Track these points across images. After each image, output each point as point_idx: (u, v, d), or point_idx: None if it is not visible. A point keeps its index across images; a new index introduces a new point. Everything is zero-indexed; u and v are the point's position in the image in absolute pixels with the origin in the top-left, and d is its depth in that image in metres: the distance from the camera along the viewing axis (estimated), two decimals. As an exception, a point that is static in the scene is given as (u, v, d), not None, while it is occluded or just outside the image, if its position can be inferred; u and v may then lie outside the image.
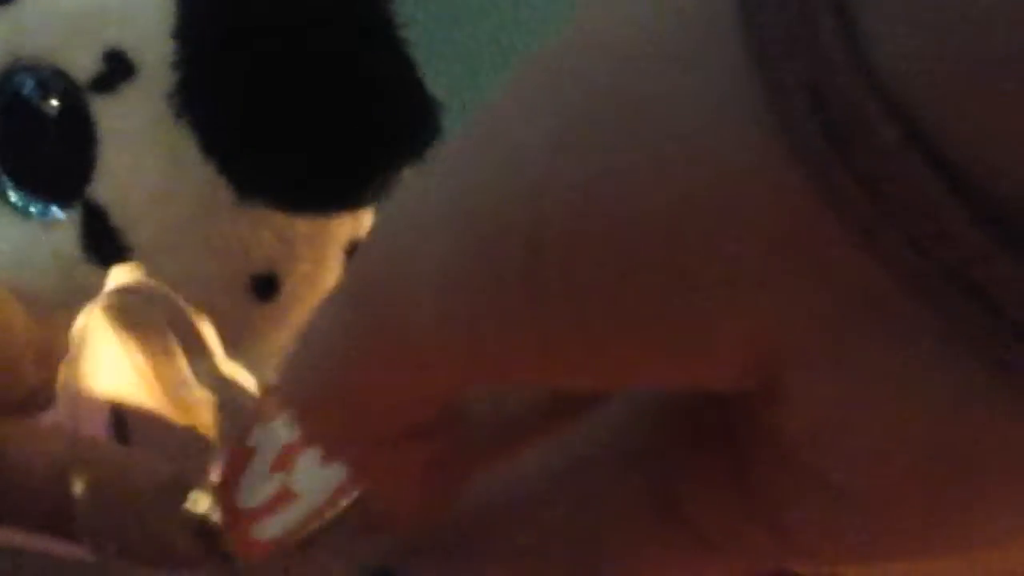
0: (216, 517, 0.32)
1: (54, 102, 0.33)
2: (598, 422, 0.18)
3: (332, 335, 0.16)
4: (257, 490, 0.32)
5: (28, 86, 0.34)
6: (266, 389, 0.33)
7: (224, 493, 0.32)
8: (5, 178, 0.34)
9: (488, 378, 0.16)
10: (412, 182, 0.15)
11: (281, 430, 0.31)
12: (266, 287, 0.34)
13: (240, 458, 0.32)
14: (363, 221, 0.35)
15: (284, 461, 0.32)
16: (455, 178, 0.15)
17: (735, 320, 0.14)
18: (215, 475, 0.33)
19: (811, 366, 0.14)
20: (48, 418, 0.38)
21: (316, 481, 0.30)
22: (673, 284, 0.14)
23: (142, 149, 0.32)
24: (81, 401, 0.32)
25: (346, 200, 0.31)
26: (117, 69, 0.32)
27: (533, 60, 0.15)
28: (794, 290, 0.13)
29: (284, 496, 0.30)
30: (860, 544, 0.15)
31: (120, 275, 0.31)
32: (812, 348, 0.14)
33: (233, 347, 0.36)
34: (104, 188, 0.33)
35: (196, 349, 0.33)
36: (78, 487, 0.30)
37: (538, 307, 0.14)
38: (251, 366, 0.36)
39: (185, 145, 0.31)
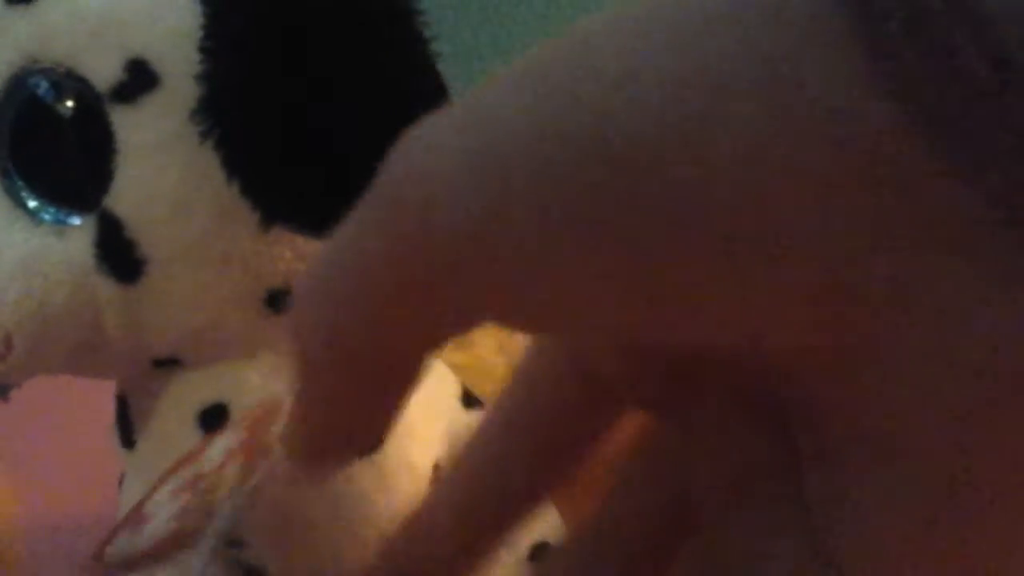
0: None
1: (69, 103, 0.33)
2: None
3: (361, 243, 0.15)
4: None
5: (42, 87, 0.33)
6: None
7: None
8: (19, 182, 0.33)
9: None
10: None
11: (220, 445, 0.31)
12: (280, 301, 0.34)
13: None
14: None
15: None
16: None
17: (814, 252, 0.13)
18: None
19: (891, 304, 0.13)
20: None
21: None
22: (752, 204, 0.13)
23: (162, 163, 0.32)
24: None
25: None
26: (139, 79, 0.32)
27: None
28: (879, 218, 0.13)
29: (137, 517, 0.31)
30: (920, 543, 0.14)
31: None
32: (893, 283, 0.13)
33: (244, 359, 0.36)
34: (121, 199, 0.32)
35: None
36: None
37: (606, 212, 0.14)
38: (261, 377, 0.36)
39: (206, 161, 0.31)
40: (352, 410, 0.17)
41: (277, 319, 0.35)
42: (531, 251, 0.14)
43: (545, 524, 0.40)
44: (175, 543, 0.30)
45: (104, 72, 0.32)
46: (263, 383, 0.35)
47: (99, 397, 0.42)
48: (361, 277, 0.16)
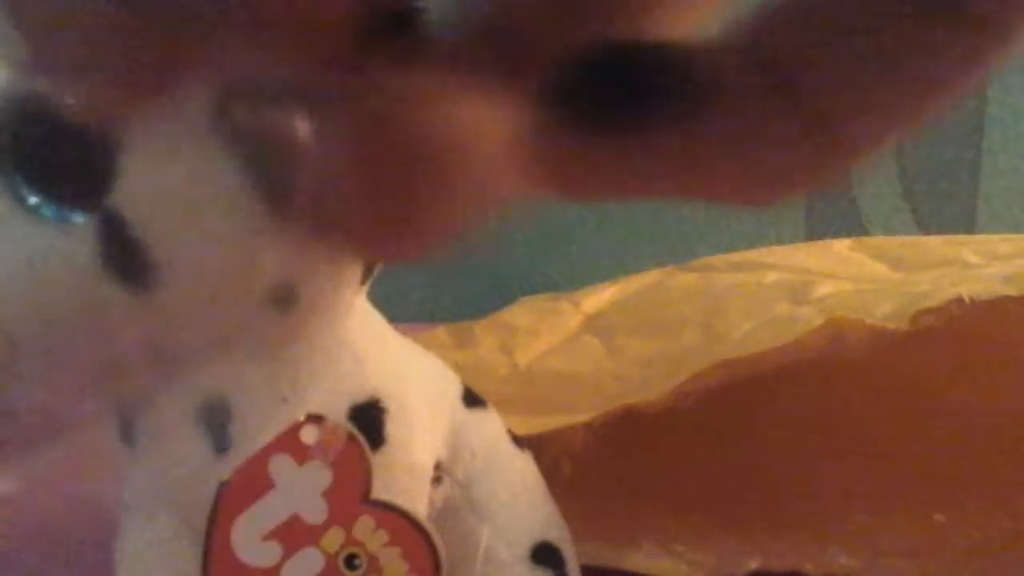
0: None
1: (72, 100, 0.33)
2: None
3: None
4: (251, 546, 0.31)
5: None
6: (304, 418, 0.32)
7: (224, 512, 0.32)
8: (21, 179, 0.33)
9: None
10: None
11: (309, 484, 0.31)
12: (285, 299, 0.34)
13: (257, 483, 0.32)
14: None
15: (290, 535, 0.32)
16: None
17: None
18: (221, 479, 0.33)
19: None
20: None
21: None
22: None
23: (166, 160, 0.32)
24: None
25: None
26: (141, 76, 0.32)
27: None
28: None
29: None
30: None
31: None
32: None
33: (248, 358, 0.36)
34: (125, 197, 0.32)
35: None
36: None
37: None
38: (266, 378, 0.35)
39: (211, 158, 0.31)
40: None
41: (280, 317, 0.35)
42: None
43: (546, 524, 0.40)
44: None
45: (106, 69, 0.32)
46: (266, 380, 0.35)
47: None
48: None
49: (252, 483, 0.32)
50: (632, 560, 0.51)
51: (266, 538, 0.31)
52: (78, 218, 0.32)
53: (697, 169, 0.15)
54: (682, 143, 0.14)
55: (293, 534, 0.31)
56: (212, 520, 0.33)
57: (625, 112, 0.14)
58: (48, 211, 0.32)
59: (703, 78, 0.14)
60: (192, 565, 0.37)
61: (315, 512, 0.31)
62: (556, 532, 0.40)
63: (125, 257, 0.32)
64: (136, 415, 0.37)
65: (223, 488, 0.33)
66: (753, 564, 0.52)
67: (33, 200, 0.33)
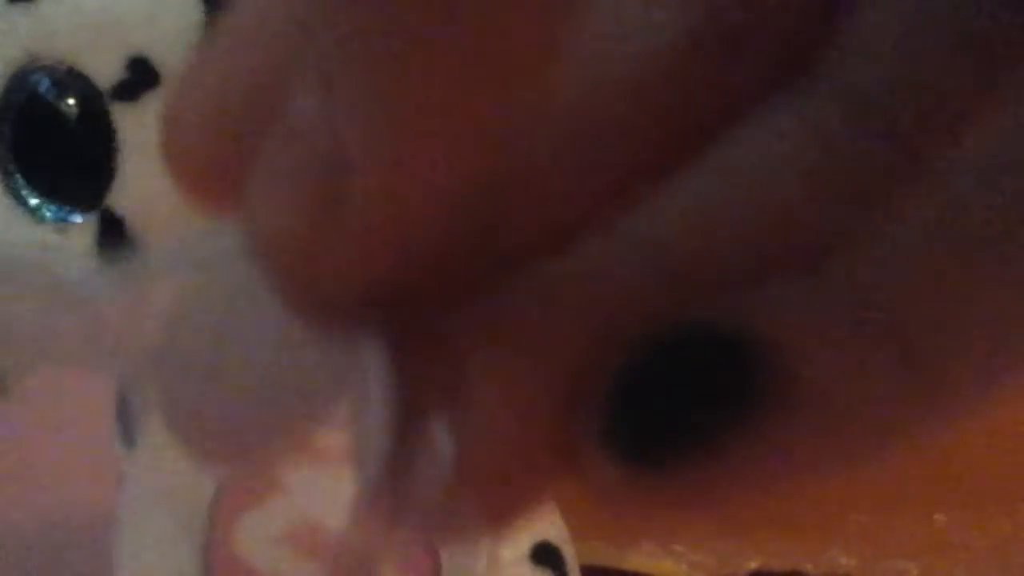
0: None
1: (71, 101, 0.33)
2: None
3: None
4: (260, 543, 0.31)
5: (44, 85, 0.33)
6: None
7: (224, 512, 0.32)
8: (20, 179, 0.33)
9: None
10: None
11: (324, 493, 0.31)
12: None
13: (258, 483, 0.32)
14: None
15: (308, 542, 0.31)
16: None
17: None
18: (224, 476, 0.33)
19: None
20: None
21: None
22: None
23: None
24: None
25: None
26: (140, 77, 0.32)
27: None
28: None
29: None
30: None
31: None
32: None
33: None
34: (123, 197, 0.32)
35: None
36: None
37: None
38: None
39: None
40: None
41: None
42: None
43: (546, 524, 0.40)
44: None
45: (106, 70, 0.32)
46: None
47: (99, 396, 0.41)
48: None
49: (253, 484, 0.32)
50: (632, 560, 0.51)
51: (266, 538, 0.31)
52: (77, 218, 0.32)
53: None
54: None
55: (315, 543, 0.31)
56: (212, 520, 0.33)
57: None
58: (48, 212, 0.33)
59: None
60: (192, 565, 0.37)
61: (315, 512, 0.31)
62: (556, 532, 0.40)
63: (121, 253, 0.32)
64: (138, 418, 0.37)
65: (223, 488, 0.33)
66: (753, 564, 0.52)
67: (34, 201, 0.33)
